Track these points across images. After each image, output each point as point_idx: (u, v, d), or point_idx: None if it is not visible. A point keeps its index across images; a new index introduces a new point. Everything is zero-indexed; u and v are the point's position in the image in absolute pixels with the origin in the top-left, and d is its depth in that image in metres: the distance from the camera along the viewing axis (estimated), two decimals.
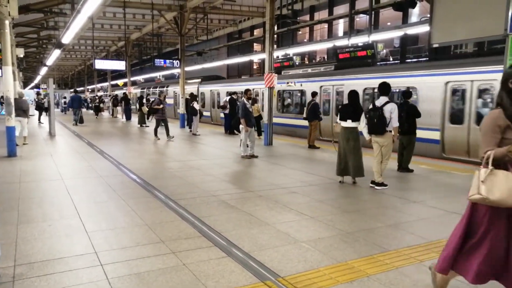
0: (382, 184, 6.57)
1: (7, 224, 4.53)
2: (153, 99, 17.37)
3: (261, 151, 10.58)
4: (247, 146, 9.64)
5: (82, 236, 4.19)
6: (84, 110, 24.82)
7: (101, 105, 29.76)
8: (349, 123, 6.72)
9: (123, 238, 4.14)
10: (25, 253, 3.72)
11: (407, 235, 4.34)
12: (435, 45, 7.00)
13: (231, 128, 14.99)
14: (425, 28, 10.14)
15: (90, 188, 6.38)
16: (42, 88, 40.50)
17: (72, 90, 25.55)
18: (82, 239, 4.09)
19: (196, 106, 14.86)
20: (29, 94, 31.21)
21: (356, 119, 6.63)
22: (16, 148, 9.53)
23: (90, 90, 47.20)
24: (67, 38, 14.62)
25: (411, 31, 11.82)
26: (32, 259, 3.57)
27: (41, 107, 20.60)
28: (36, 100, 25.48)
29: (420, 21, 11.91)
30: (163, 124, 13.74)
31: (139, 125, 19.02)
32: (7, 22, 9.27)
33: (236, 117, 9.98)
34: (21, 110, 11.10)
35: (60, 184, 6.62)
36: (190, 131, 15.60)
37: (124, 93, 25.46)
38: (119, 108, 25.22)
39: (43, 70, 34.70)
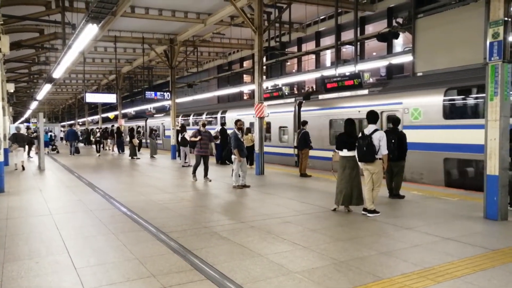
0: (374, 211, 6.58)
1: None
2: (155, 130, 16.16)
3: (253, 181, 10.56)
4: (239, 176, 9.63)
5: (70, 272, 4.08)
6: (81, 144, 24.12)
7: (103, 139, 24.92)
8: (345, 153, 6.80)
9: (113, 273, 4.05)
10: None
11: (400, 263, 4.31)
12: (419, 74, 7.22)
13: (222, 158, 15.01)
14: (409, 58, 10.44)
15: (79, 222, 6.27)
16: (32, 122, 40.33)
17: (70, 123, 25.20)
18: (70, 276, 3.98)
19: (187, 137, 14.91)
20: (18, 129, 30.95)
21: (352, 148, 6.71)
22: (4, 184, 9.40)
23: (80, 123, 47.13)
24: (58, 72, 14.76)
25: (396, 60, 12.18)
26: None
27: (31, 142, 20.45)
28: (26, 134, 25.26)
29: (403, 51, 12.28)
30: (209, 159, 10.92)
31: (130, 158, 18.93)
32: None
33: (227, 147, 9.98)
34: (21, 141, 14.14)
35: (48, 219, 6.49)
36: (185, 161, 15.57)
37: (113, 126, 25.43)
38: (108, 141, 25.12)
39: (34, 104, 34.71)
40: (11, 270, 4.16)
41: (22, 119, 57.99)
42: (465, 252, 4.65)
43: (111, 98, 20.62)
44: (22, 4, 12.62)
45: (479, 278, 3.88)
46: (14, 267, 4.25)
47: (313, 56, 20.79)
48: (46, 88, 21.47)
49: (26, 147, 16.95)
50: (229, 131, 13.05)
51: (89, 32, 8.81)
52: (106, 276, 3.97)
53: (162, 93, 19.78)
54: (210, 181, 10.72)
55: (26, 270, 4.16)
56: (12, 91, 21.17)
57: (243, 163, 9.62)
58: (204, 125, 11.22)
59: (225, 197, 8.51)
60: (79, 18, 11.42)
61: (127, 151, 21.10)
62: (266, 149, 13.34)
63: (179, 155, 16.78)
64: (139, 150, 21.03)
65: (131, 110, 37.24)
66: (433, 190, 8.94)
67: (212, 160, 16.83)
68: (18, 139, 14.05)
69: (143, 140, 25.33)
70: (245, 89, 23.62)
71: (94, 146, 24.97)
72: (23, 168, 14.04)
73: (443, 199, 7.91)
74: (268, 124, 15.57)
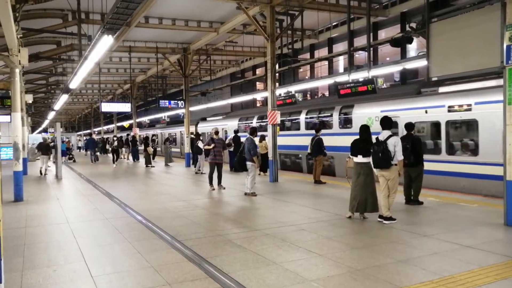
0: (390, 218, 6.48)
1: (12, 271, 4.48)
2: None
3: (267, 188, 10.52)
4: (255, 183, 9.63)
5: (87, 281, 4.12)
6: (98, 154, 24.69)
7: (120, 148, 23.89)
8: (360, 159, 6.74)
9: (128, 281, 4.07)
10: None
11: (419, 271, 4.23)
12: (434, 79, 7.13)
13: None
14: (423, 62, 10.33)
15: (95, 231, 6.34)
16: (49, 132, 41.13)
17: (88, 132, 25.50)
18: (86, 284, 4.02)
19: (201, 145, 14.96)
20: (37, 139, 31.66)
21: (367, 154, 6.64)
22: (23, 193, 9.59)
23: (96, 132, 47.86)
24: (74, 83, 15.02)
25: (410, 65, 12.05)
26: None
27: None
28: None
29: (417, 56, 12.15)
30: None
31: (145, 166, 19.12)
32: (17, 70, 9.59)
33: (240, 155, 9.90)
34: (45, 151, 16.01)
35: (65, 228, 6.59)
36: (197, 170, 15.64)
37: (129, 135, 25.74)
38: (123, 149, 25.44)
39: (51, 115, 35.41)
40: (30, 278, 4.22)
41: (40, 129, 59.19)
42: (485, 260, 4.53)
43: (126, 107, 20.88)
44: (40, 18, 12.96)
45: (501, 287, 3.77)
46: (33, 275, 4.31)
47: (326, 63, 20.73)
48: (63, 98, 21.89)
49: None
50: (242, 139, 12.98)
51: (105, 43, 8.96)
52: (121, 284, 3.99)
53: (176, 101, 19.97)
54: (224, 188, 10.72)
55: (44, 278, 4.22)
56: (30, 101, 21.66)
57: (256, 171, 9.65)
58: (217, 132, 11.09)
59: (239, 205, 8.50)
60: (94, 30, 11.65)
61: (142, 159, 21.30)
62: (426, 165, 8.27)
63: (194, 163, 16.87)
64: (153, 158, 21.21)
65: (145, 119, 37.69)
66: (452, 196, 8.77)
67: (225, 167, 16.86)
68: (42, 148, 16.07)
69: (158, 148, 25.30)
70: (258, 96, 23.69)
71: (110, 155, 25.16)
72: (41, 173, 15.66)
73: (462, 205, 7.74)
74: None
